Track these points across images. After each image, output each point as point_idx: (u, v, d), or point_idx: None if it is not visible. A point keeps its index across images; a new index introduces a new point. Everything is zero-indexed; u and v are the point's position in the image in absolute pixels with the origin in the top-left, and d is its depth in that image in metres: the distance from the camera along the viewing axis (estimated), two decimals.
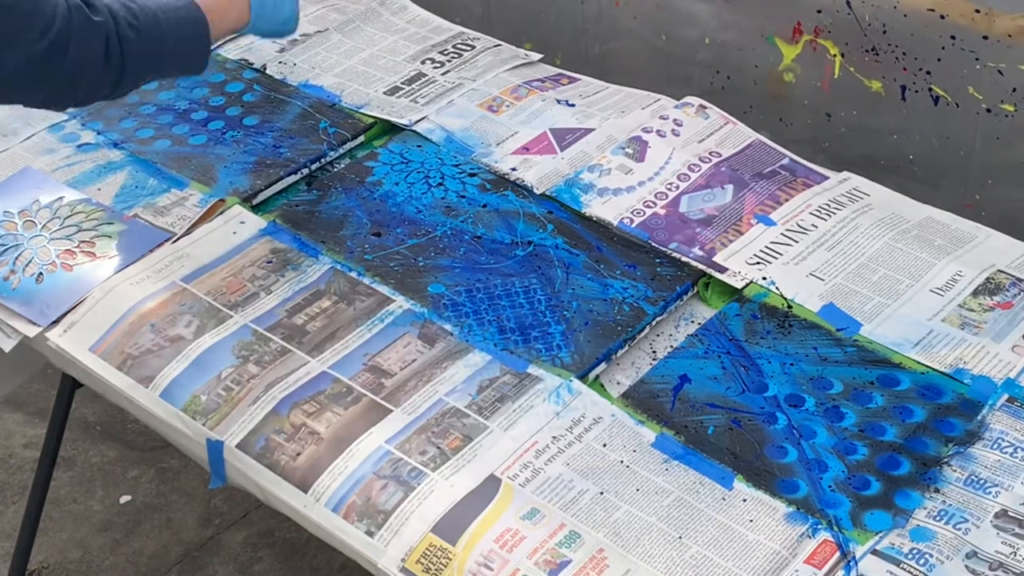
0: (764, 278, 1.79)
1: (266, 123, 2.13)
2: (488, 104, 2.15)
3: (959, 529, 1.45)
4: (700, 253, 1.84)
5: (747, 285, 1.79)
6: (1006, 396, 1.61)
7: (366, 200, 1.97)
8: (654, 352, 1.72)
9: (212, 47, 1.76)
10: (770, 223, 1.89)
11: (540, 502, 1.50)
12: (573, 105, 2.14)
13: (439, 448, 1.56)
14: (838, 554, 1.44)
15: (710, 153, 2.02)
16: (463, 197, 1.97)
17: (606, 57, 2.55)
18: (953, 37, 2.04)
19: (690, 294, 1.80)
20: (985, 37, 2.00)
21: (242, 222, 1.92)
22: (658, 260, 1.84)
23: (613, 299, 1.77)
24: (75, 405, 2.19)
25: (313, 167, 2.05)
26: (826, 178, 1.98)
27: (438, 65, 2.26)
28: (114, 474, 2.72)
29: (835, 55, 2.20)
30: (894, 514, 1.48)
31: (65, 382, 2.11)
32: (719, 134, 2.06)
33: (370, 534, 1.49)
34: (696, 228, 1.88)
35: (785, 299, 1.76)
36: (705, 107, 2.11)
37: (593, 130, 2.07)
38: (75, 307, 1.80)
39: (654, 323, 1.75)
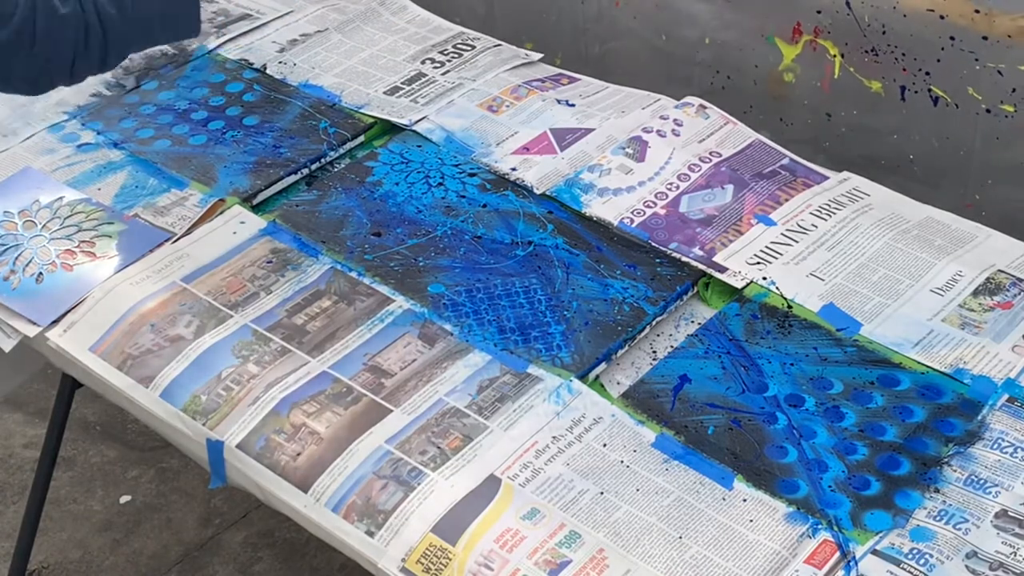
0: (764, 278, 1.79)
1: (266, 123, 2.13)
2: (488, 104, 2.15)
3: (959, 529, 1.45)
4: (700, 253, 1.84)
5: (747, 285, 1.79)
6: (1006, 396, 1.61)
7: (366, 200, 1.97)
8: (654, 352, 1.72)
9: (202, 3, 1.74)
10: (770, 223, 1.89)
11: (540, 502, 1.50)
12: (573, 105, 2.13)
13: (439, 448, 1.56)
14: (838, 554, 1.43)
15: (710, 153, 2.02)
16: (463, 197, 1.97)
17: (606, 57, 2.55)
18: (953, 37, 2.03)
19: (690, 294, 1.80)
20: (985, 37, 2.00)
21: (242, 222, 1.92)
22: (658, 260, 1.84)
23: (613, 299, 1.77)
24: (75, 405, 2.19)
25: (313, 167, 2.04)
26: (826, 178, 1.98)
27: (438, 65, 2.26)
28: (114, 474, 2.72)
29: (835, 55, 2.20)
30: (894, 514, 1.48)
31: (65, 382, 2.11)
32: (719, 134, 2.06)
33: (370, 534, 1.49)
34: (696, 228, 1.88)
35: (785, 299, 1.76)
36: (705, 107, 2.10)
37: (593, 130, 2.06)
38: (75, 307, 1.80)
39: (654, 323, 1.75)
